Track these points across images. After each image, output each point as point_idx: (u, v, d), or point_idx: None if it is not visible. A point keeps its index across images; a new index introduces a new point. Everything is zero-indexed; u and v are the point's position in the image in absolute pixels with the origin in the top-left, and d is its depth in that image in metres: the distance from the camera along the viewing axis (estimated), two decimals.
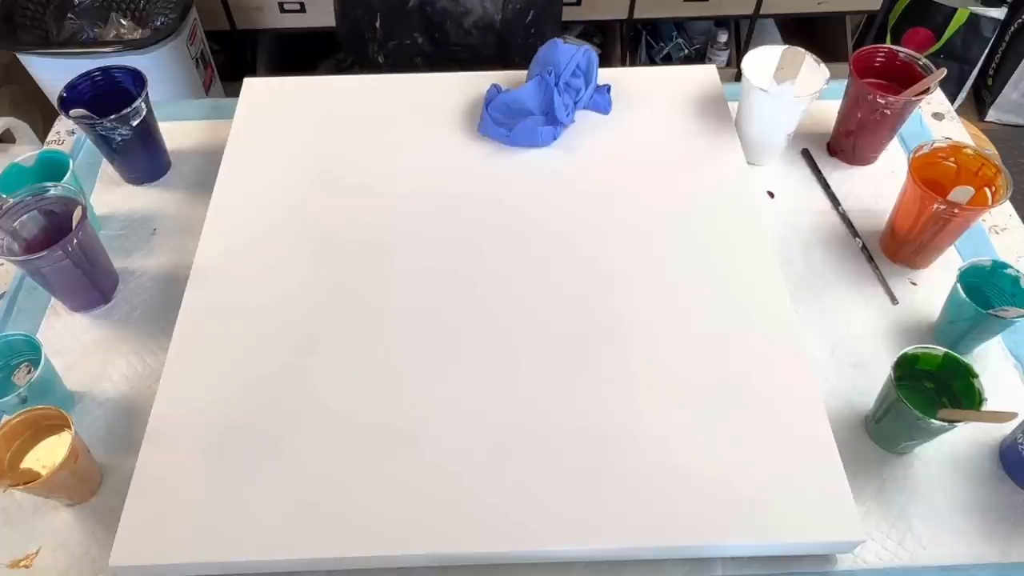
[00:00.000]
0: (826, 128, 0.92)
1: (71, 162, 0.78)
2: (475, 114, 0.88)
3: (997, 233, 0.84)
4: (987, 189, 0.74)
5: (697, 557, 0.62)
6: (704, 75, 0.93)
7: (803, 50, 0.84)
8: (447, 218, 0.79)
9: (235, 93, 0.92)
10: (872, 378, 0.71)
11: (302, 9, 1.80)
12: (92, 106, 0.82)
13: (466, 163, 0.84)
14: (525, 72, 0.91)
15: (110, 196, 0.88)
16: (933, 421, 0.59)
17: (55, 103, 0.83)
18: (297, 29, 1.85)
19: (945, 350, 0.64)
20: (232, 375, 0.67)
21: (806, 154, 0.91)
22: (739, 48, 2.05)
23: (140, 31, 1.64)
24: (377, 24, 1.11)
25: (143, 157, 0.88)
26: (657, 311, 0.71)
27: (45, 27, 1.58)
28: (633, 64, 2.08)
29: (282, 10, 1.81)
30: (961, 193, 0.74)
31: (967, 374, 0.63)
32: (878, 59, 0.87)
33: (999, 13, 1.97)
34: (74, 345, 0.75)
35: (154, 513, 0.60)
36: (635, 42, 2.12)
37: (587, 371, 0.67)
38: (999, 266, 0.70)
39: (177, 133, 0.94)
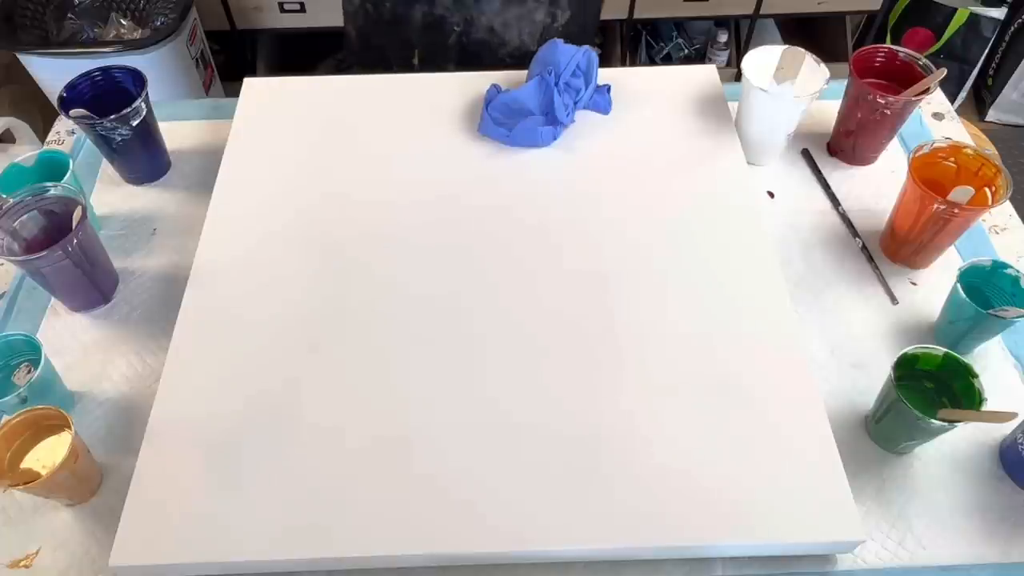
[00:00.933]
0: (826, 128, 0.92)
1: (71, 162, 0.78)
2: (475, 114, 0.88)
3: (997, 233, 0.84)
4: (987, 189, 0.74)
5: (697, 557, 0.62)
6: (704, 75, 0.93)
7: (803, 50, 0.84)
8: (447, 218, 0.79)
9: (235, 93, 0.92)
10: (872, 378, 0.71)
11: (302, 9, 1.80)
12: (92, 106, 0.82)
13: (466, 163, 0.84)
14: (525, 72, 0.91)
15: (110, 196, 0.88)
16: (933, 421, 0.59)
17: (55, 103, 0.83)
18: (297, 29, 1.85)
19: (945, 350, 0.64)
20: (232, 375, 0.67)
21: (806, 154, 0.91)
22: (739, 48, 2.05)
23: (140, 31, 1.64)
24: (415, 60, 1.10)
25: (143, 157, 0.88)
26: (657, 311, 0.71)
27: (45, 27, 1.58)
28: (633, 64, 2.08)
29: (282, 10, 1.81)
30: (961, 193, 0.74)
31: (967, 374, 0.63)
32: (878, 59, 0.87)
33: (999, 13, 1.97)
34: (74, 345, 0.75)
35: (154, 513, 0.60)
36: (635, 42, 2.12)
37: (587, 371, 0.67)
38: (999, 266, 0.70)
39: (177, 133, 0.94)
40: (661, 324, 0.70)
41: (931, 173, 0.76)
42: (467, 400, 0.66)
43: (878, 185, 0.87)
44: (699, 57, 2.10)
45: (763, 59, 0.85)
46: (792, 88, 0.83)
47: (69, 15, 1.62)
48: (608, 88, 0.89)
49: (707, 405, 0.65)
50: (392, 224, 0.79)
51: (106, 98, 0.83)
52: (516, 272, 0.74)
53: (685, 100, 0.90)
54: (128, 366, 0.73)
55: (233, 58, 2.00)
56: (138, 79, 0.84)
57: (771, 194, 0.87)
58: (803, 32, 2.12)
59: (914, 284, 0.79)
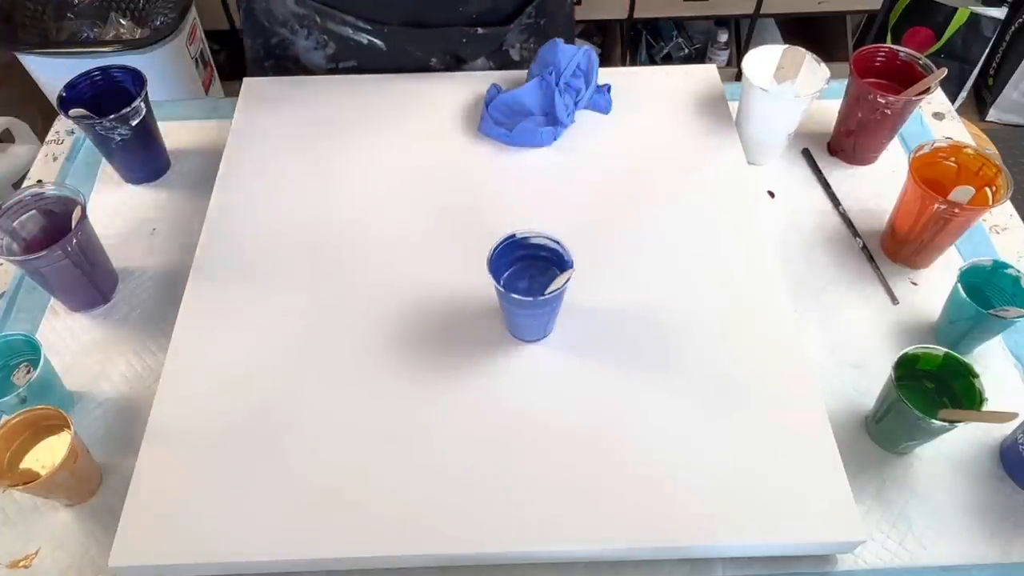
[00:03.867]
0: (826, 128, 0.92)
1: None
2: (475, 114, 0.88)
3: (998, 233, 0.84)
4: (988, 189, 0.74)
5: (697, 557, 0.62)
6: (704, 75, 0.93)
7: (803, 50, 0.84)
8: (447, 217, 0.79)
9: (235, 93, 0.92)
10: (872, 378, 0.71)
11: None
12: (92, 106, 0.82)
13: (466, 163, 0.84)
14: (525, 72, 0.91)
15: (110, 196, 0.88)
16: (934, 421, 0.59)
17: (55, 103, 0.83)
18: None
19: (946, 350, 0.64)
20: (232, 375, 0.67)
21: (806, 154, 0.91)
22: (739, 48, 2.05)
23: (140, 31, 1.64)
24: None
25: (143, 157, 0.88)
26: (657, 311, 0.71)
27: (45, 27, 1.58)
28: (633, 64, 2.08)
29: None
30: (962, 193, 0.74)
31: (968, 374, 0.63)
32: (878, 59, 0.87)
33: (999, 13, 1.97)
34: (74, 345, 0.75)
35: (154, 513, 0.60)
36: (635, 42, 2.13)
37: (586, 371, 0.67)
38: (1000, 266, 0.70)
39: (177, 133, 0.93)
40: (660, 323, 0.70)
41: (931, 173, 0.76)
42: (467, 400, 0.66)
43: (878, 185, 0.87)
44: (699, 57, 2.11)
45: (763, 59, 0.85)
46: (792, 88, 0.83)
47: (68, 15, 1.62)
48: (608, 88, 0.89)
49: (707, 405, 0.65)
50: (392, 224, 0.79)
51: (106, 98, 0.83)
52: None
53: (685, 100, 0.90)
54: (128, 366, 0.73)
55: (233, 58, 2.00)
56: (138, 79, 0.84)
57: (771, 194, 0.87)
58: (803, 32, 2.12)
59: (914, 284, 0.79)
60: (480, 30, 0.91)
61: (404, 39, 0.90)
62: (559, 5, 0.78)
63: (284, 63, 0.97)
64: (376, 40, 0.91)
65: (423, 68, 0.94)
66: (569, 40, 1.00)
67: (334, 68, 0.96)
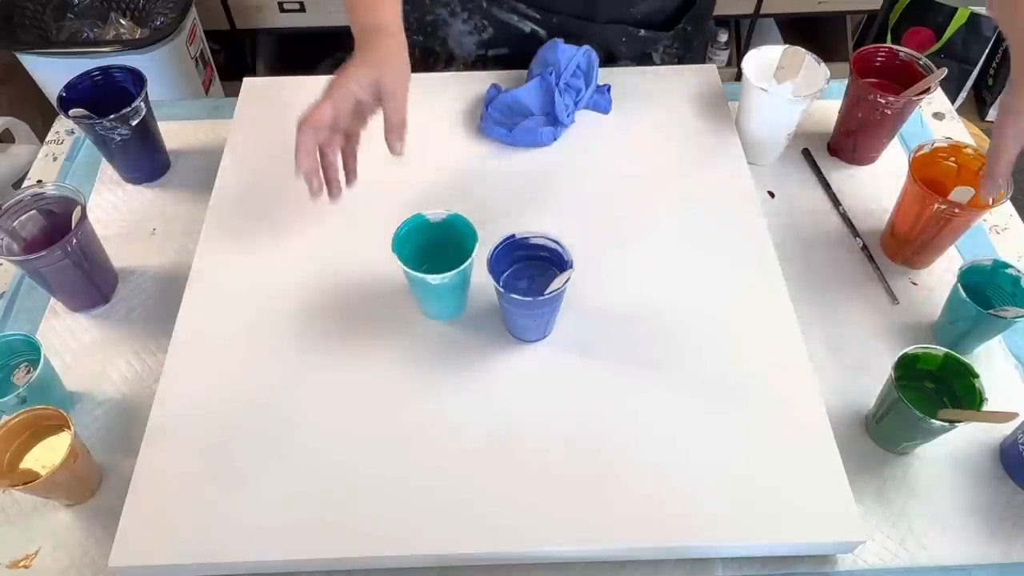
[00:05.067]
0: (826, 128, 0.92)
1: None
2: (475, 114, 0.88)
3: (998, 233, 0.84)
4: None
5: (697, 557, 0.62)
6: (704, 75, 0.93)
7: (803, 50, 0.84)
8: None
9: (235, 93, 0.92)
10: (872, 378, 0.71)
11: (302, 9, 1.80)
12: (92, 106, 0.82)
13: (466, 163, 0.84)
14: (525, 72, 0.91)
15: (110, 196, 0.88)
16: (934, 421, 0.59)
17: (55, 103, 0.83)
18: (297, 29, 1.85)
19: (946, 350, 0.64)
20: (232, 375, 0.67)
21: (806, 154, 0.91)
22: (739, 48, 2.05)
23: (140, 31, 1.64)
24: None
25: (142, 157, 0.88)
26: (656, 311, 0.71)
27: (45, 27, 1.58)
28: None
29: (282, 10, 1.81)
30: (962, 193, 0.74)
31: (968, 374, 0.63)
32: (878, 59, 0.87)
33: None
34: (74, 345, 0.75)
35: (154, 513, 0.60)
36: None
37: (586, 371, 0.67)
38: (1000, 266, 0.70)
39: (177, 133, 0.93)
40: (660, 323, 0.70)
41: (932, 173, 0.76)
42: (467, 400, 0.66)
43: (878, 185, 0.87)
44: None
45: (763, 59, 0.85)
46: (792, 88, 0.83)
47: (69, 15, 1.62)
48: (608, 88, 0.89)
49: (707, 405, 0.65)
50: (392, 223, 0.78)
51: (106, 98, 0.83)
52: None
53: (685, 100, 0.90)
54: (128, 366, 0.73)
55: (233, 58, 2.00)
56: (138, 79, 0.84)
57: (771, 194, 0.87)
58: (803, 32, 2.12)
59: (914, 284, 0.79)
60: (642, 32, 0.93)
61: (568, 31, 0.91)
62: (706, 16, 0.88)
63: (431, 43, 0.99)
64: (540, 29, 0.92)
65: None
66: (704, 48, 1.04)
67: (483, 55, 0.97)
